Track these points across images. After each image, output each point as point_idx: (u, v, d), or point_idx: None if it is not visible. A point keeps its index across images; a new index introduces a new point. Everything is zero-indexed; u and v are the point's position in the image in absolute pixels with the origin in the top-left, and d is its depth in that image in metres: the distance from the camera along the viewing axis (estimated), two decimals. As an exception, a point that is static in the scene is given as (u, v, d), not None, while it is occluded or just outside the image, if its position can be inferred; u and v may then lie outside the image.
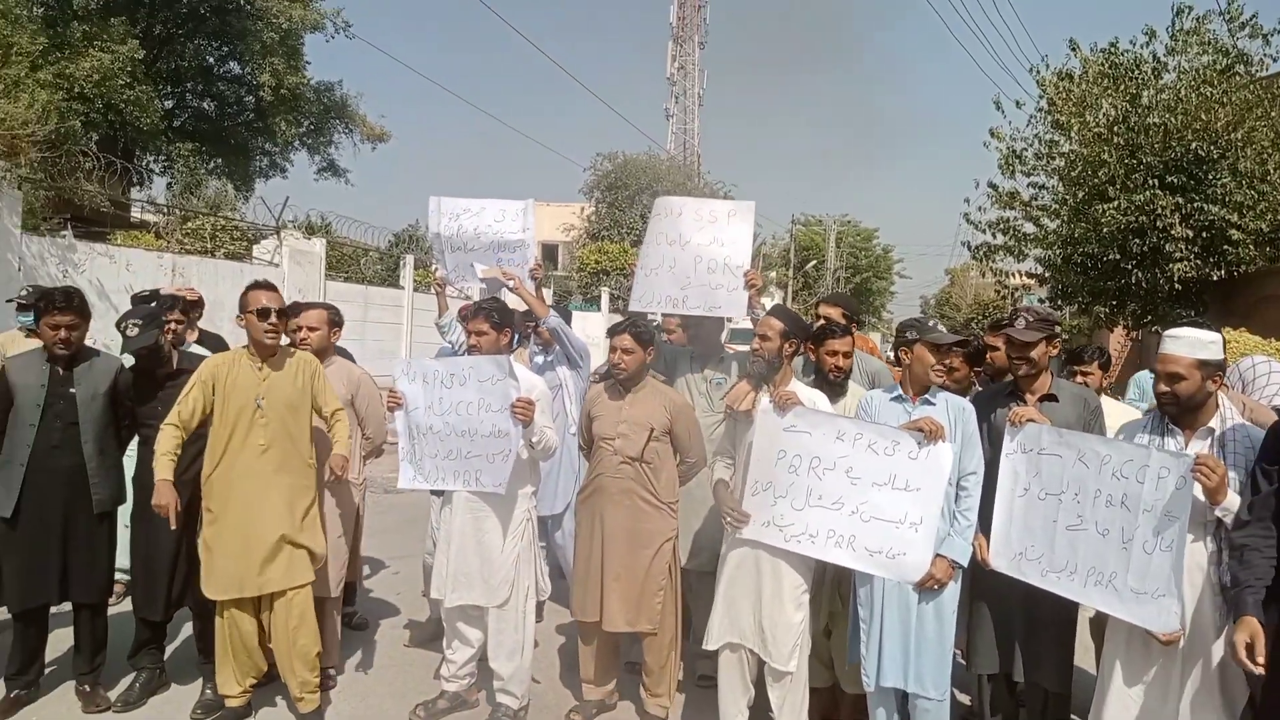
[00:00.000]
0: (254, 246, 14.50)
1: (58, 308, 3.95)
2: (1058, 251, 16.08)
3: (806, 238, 45.11)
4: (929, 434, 3.47)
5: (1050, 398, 3.73)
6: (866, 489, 3.58)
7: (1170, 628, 3.05)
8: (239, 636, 3.86)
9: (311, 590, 3.98)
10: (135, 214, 19.21)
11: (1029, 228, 16.53)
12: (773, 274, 40.19)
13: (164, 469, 3.74)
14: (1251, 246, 13.39)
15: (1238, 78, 13.68)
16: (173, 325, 4.61)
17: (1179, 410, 3.24)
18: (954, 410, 3.61)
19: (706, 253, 4.52)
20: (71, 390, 4.02)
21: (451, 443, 4.02)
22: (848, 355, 4.17)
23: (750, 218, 4.63)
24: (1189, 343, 3.19)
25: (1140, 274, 14.42)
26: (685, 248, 4.56)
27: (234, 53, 23.60)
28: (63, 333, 3.96)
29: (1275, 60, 14.22)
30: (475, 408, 3.95)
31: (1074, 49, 15.27)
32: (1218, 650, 3.08)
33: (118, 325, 4.10)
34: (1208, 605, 3.13)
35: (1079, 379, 4.43)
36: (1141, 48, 14.70)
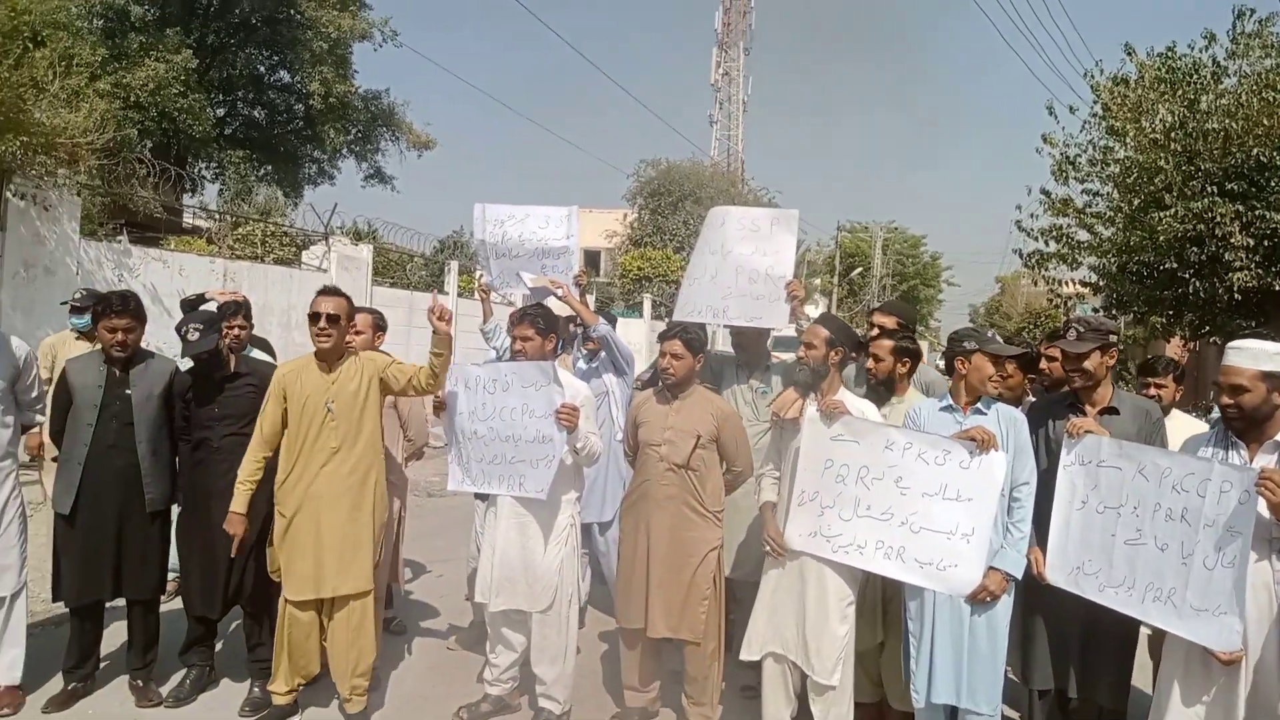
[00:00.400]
0: (303, 252, 14.71)
1: (115, 311, 4.04)
2: (1112, 260, 15.73)
3: (852, 245, 44.71)
4: (981, 443, 3.38)
5: (1111, 410, 3.62)
6: (916, 499, 3.51)
7: (1232, 646, 2.94)
8: (299, 636, 3.90)
9: (374, 598, 4.02)
10: (187, 220, 19.67)
11: (1082, 235, 16.21)
12: (817, 281, 39.89)
13: (240, 501, 3.91)
14: (1316, 255, 12.99)
15: (1302, 81, 13.29)
16: (236, 330, 4.70)
17: (1243, 423, 3.14)
18: (1005, 420, 3.53)
19: (749, 263, 4.49)
20: (127, 391, 4.10)
21: (495, 448, 4.02)
22: (879, 360, 4.13)
23: (794, 227, 4.59)
24: (1253, 354, 3.09)
25: (1198, 283, 14.02)
26: (727, 257, 4.54)
27: (284, 62, 24.11)
28: (120, 335, 4.05)
29: (1341, 63, 13.81)
30: (519, 413, 3.94)
31: (1129, 54, 14.96)
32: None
33: (178, 329, 4.18)
34: (1271, 625, 3.02)
35: (1152, 391, 4.31)
36: (1201, 51, 14.35)
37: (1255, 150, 13.06)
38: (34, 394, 4.21)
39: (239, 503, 3.92)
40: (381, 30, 24.20)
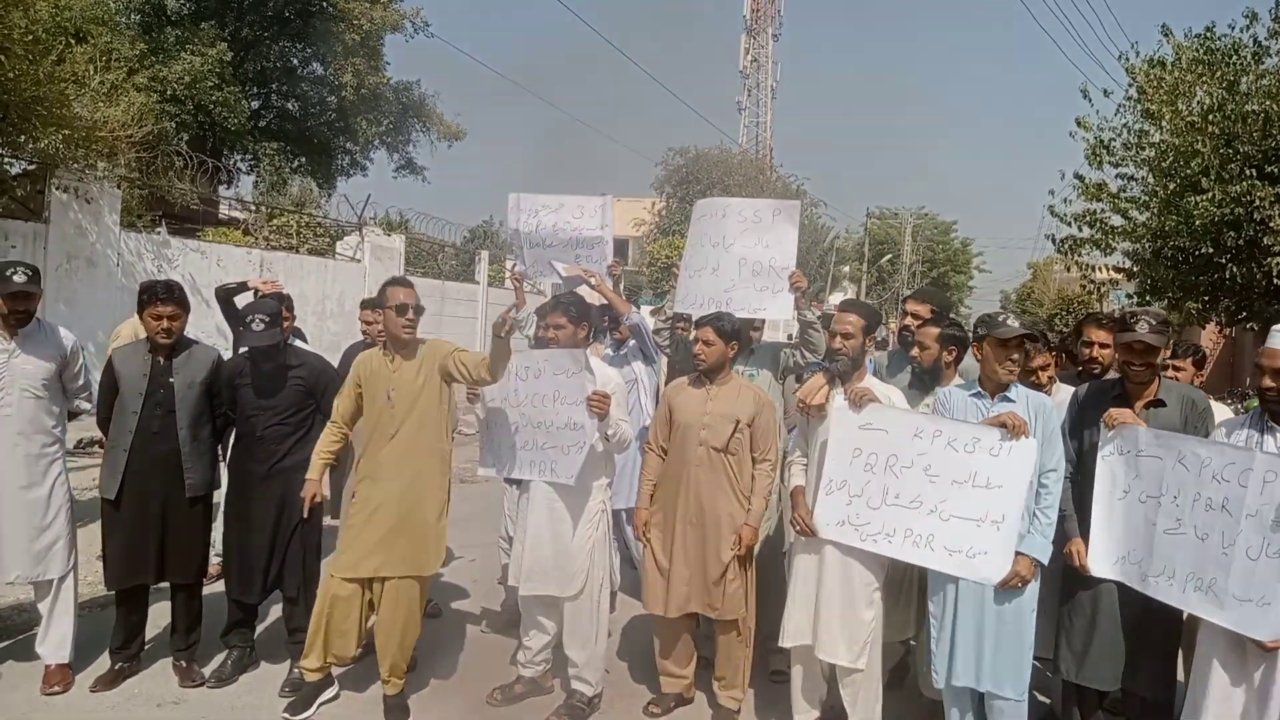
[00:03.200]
0: (337, 243, 14.90)
1: (160, 299, 4.16)
2: (1147, 245, 15.51)
3: (881, 231, 44.33)
4: (1012, 429, 3.40)
5: (1159, 403, 3.59)
6: (946, 487, 3.53)
7: (1276, 635, 2.94)
8: (339, 617, 3.96)
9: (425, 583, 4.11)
10: (223, 212, 19.93)
11: (1116, 220, 16.00)
12: (846, 268, 39.65)
13: (315, 469, 4.11)
14: (1358, 239, 12.74)
15: (1345, 61, 13.01)
16: (284, 322, 4.83)
17: None
18: (1034, 406, 3.53)
19: (751, 254, 4.53)
20: (170, 380, 4.22)
21: (527, 434, 4.10)
22: (925, 348, 4.14)
23: (795, 218, 4.63)
24: None
25: (1235, 268, 13.81)
26: (729, 250, 4.58)
27: (317, 54, 24.30)
28: (165, 323, 4.16)
29: (1386, 42, 13.50)
30: (550, 400, 4.01)
31: (1166, 34, 14.70)
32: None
33: (241, 317, 4.30)
34: None
35: (1170, 374, 4.28)
36: (1241, 31, 14.07)
37: (1296, 132, 12.83)
38: (80, 382, 4.34)
39: (314, 470, 4.09)
40: (413, 21, 24.36)
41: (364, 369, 4.09)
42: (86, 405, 4.44)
